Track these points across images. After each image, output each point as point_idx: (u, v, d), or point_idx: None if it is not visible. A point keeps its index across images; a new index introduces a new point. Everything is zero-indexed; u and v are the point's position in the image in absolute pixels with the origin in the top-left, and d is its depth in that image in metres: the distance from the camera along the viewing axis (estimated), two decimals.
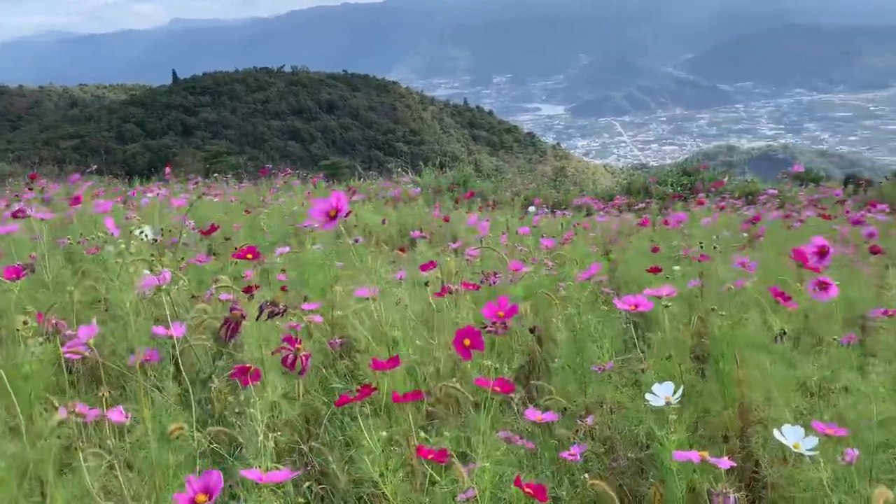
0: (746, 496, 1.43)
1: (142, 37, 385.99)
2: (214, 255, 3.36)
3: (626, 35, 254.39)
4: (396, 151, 56.74)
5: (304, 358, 1.40)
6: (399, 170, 12.70)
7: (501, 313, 1.87)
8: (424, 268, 2.27)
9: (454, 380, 1.82)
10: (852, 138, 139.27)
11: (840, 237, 4.14)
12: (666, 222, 5.55)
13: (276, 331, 2.04)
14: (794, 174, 12.31)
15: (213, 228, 2.75)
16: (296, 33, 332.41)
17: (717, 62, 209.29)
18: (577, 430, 1.84)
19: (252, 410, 1.10)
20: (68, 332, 1.47)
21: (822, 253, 1.70)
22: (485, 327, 1.52)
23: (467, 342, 1.46)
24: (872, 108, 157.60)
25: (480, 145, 66.38)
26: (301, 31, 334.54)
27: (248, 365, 1.33)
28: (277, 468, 1.06)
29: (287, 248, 2.76)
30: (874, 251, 3.52)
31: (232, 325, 1.48)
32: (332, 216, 1.41)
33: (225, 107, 63.68)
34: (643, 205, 8.90)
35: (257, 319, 1.48)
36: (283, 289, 2.46)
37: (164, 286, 1.56)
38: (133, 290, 1.53)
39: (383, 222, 4.14)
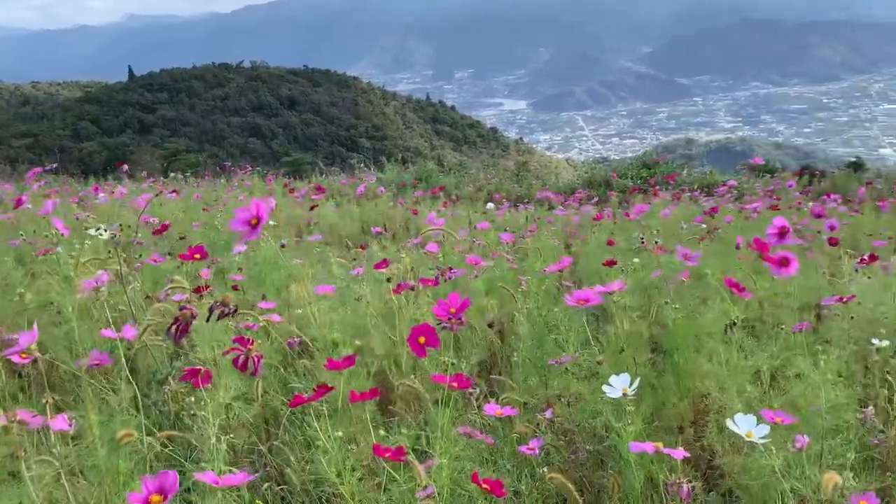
0: (703, 485, 1.45)
1: (96, 33, 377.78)
2: (170, 254, 3.31)
3: (586, 30, 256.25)
4: (359, 147, 56.44)
5: (255, 359, 1.38)
6: (362, 165, 12.63)
7: (453, 309, 1.87)
8: (379, 266, 2.26)
9: (412, 377, 1.81)
10: (807, 130, 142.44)
11: (794, 228, 4.22)
12: (627, 215, 5.61)
13: (232, 331, 2.01)
14: (752, 166, 12.50)
15: (164, 227, 2.70)
16: (255, 29, 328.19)
17: (675, 56, 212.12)
18: (539, 424, 1.85)
19: (203, 413, 1.08)
20: (10, 337, 1.43)
21: (782, 233, 1.72)
22: (440, 323, 1.51)
23: (422, 340, 1.45)
24: (826, 101, 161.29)
25: (444, 140, 66.38)
26: (260, 27, 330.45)
27: (198, 367, 1.31)
28: (232, 471, 1.04)
29: (244, 247, 2.73)
30: (832, 243, 3.60)
31: (182, 325, 1.45)
32: (253, 224, 1.39)
33: (183, 104, 62.68)
34: (601, 198, 8.98)
35: (207, 321, 1.45)
36: (234, 287, 2.42)
37: (103, 287, 1.53)
38: (78, 293, 1.49)
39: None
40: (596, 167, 15.41)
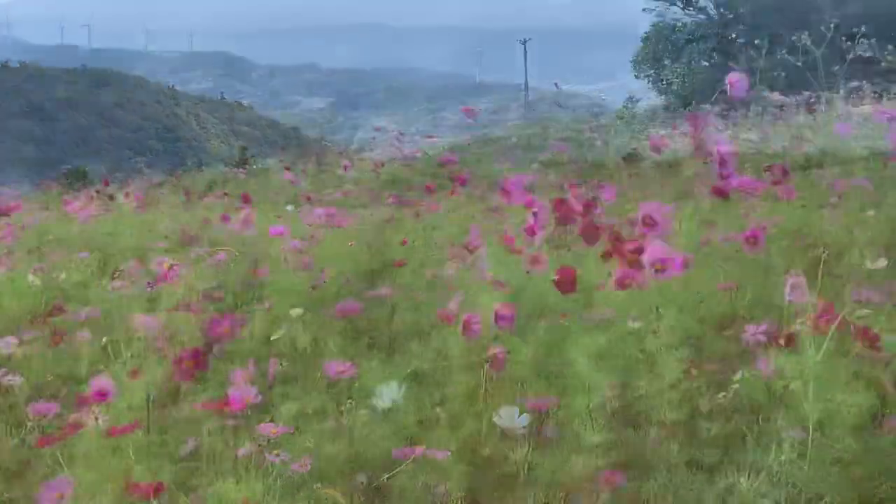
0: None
1: None
2: None
3: (386, 26, 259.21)
4: (150, 150, 53.00)
5: None
6: (146, 170, 11.90)
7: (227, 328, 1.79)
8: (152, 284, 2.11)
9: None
10: None
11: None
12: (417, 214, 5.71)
13: None
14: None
15: None
16: (20, 23, 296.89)
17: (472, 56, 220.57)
18: None
19: None
20: None
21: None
22: (206, 342, 1.44)
23: (188, 364, 1.37)
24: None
25: (243, 141, 64.11)
26: (29, 20, 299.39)
27: None
28: None
29: None
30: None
31: None
32: None
33: None
34: (401, 197, 9.12)
35: None
36: None
37: None
38: None
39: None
40: (397, 166, 15.67)
